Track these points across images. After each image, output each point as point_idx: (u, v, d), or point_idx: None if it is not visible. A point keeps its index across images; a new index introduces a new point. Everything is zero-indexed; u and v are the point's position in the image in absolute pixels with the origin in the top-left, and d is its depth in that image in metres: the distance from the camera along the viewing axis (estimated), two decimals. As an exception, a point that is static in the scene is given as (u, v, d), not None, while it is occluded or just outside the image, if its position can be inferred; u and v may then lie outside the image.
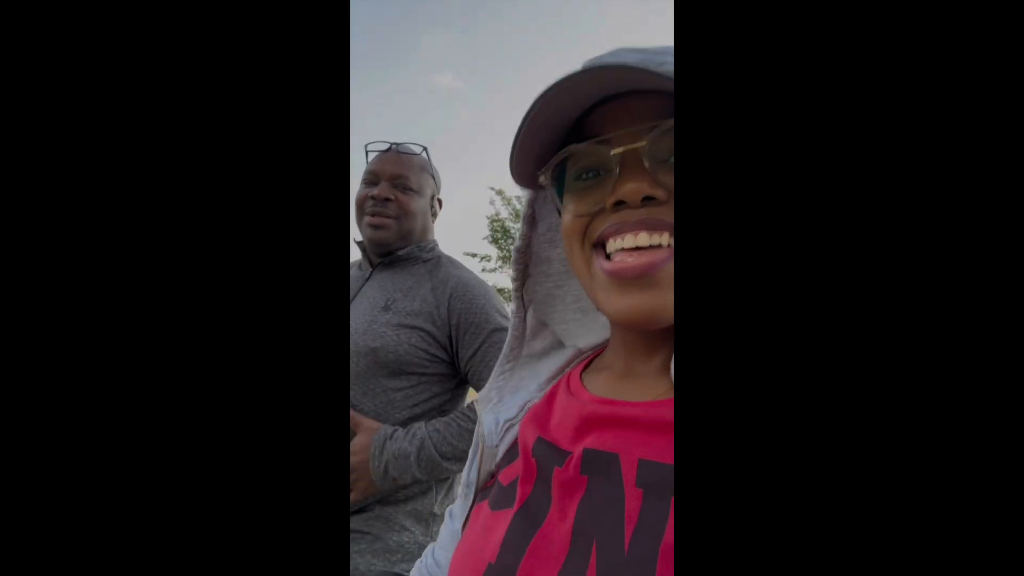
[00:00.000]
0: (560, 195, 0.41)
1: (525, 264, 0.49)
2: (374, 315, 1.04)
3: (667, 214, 0.35)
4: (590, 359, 0.49)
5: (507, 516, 0.39)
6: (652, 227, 0.35)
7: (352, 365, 1.01)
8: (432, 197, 1.19)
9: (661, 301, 0.35)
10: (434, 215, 1.21)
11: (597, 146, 0.37)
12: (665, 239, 0.35)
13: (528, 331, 0.50)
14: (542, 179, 0.41)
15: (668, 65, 0.34)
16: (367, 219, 1.10)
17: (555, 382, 0.48)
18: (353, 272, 1.19)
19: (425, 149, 1.21)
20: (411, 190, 1.12)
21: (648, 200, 0.35)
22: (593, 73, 0.34)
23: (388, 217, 1.09)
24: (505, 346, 0.49)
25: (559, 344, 0.51)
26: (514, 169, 0.41)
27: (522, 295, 0.49)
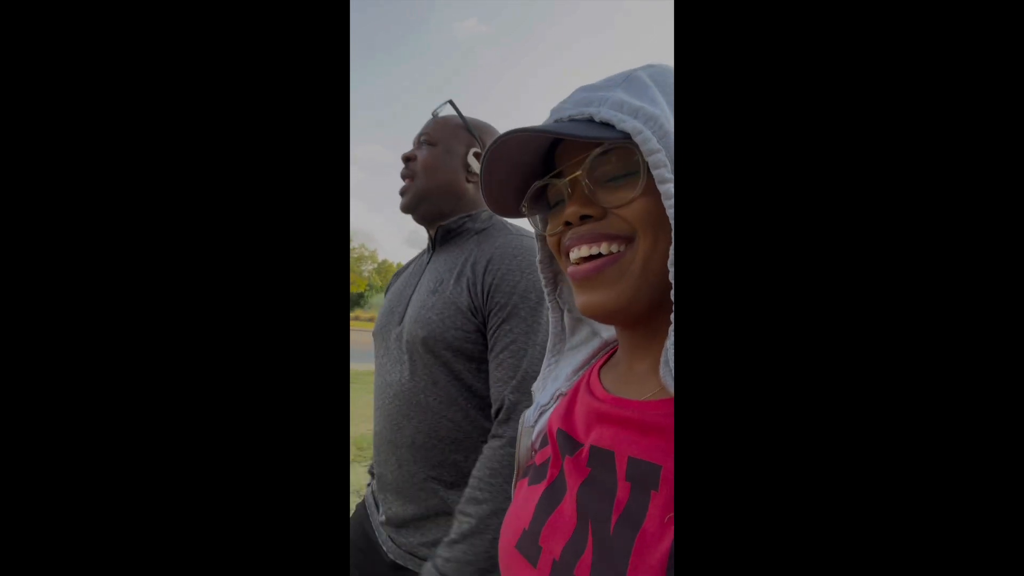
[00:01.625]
0: (548, 214, 0.48)
1: (553, 273, 0.56)
2: (423, 300, 0.98)
3: (603, 227, 0.42)
4: (613, 351, 0.55)
5: (539, 491, 0.48)
6: (591, 240, 0.43)
7: (412, 356, 0.96)
8: (467, 153, 1.05)
9: (604, 296, 0.43)
10: (473, 173, 1.06)
11: (554, 179, 0.46)
12: (604, 247, 0.42)
13: (567, 330, 0.57)
14: (524, 209, 0.49)
15: (588, 107, 0.42)
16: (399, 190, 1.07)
17: (581, 374, 0.55)
18: (419, 261, 1.14)
19: (450, 102, 1.08)
20: (432, 145, 1.04)
21: (585, 218, 0.43)
22: (533, 132, 0.41)
23: (408, 177, 1.05)
24: (548, 343, 0.57)
25: (595, 335, 0.58)
26: (494, 204, 0.49)
27: (556, 298, 0.56)
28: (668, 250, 0.40)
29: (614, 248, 0.42)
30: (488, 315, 0.93)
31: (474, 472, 0.86)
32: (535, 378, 0.89)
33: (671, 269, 0.38)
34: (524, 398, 0.87)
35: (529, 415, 0.55)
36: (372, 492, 1.06)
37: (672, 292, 0.38)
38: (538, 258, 0.55)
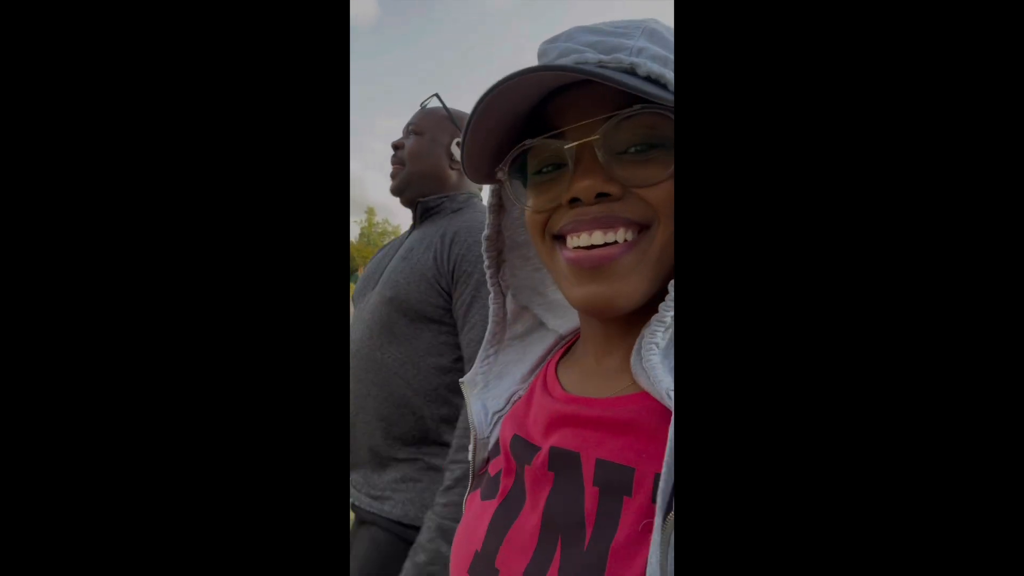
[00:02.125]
0: (525, 185, 0.41)
1: (498, 251, 0.49)
2: (395, 266, 1.07)
3: (622, 209, 0.35)
4: (568, 345, 0.49)
5: (492, 507, 0.41)
6: (606, 225, 0.35)
7: (376, 315, 1.03)
8: (451, 142, 1.14)
9: (616, 290, 0.35)
10: (456, 160, 1.15)
11: (552, 140, 0.36)
12: (620, 235, 0.35)
13: (509, 315, 0.50)
14: (500, 175, 0.41)
15: (620, 53, 0.34)
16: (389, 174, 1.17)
17: (537, 373, 0.49)
18: (402, 236, 1.22)
19: (436, 95, 1.19)
20: (417, 133, 1.13)
21: (602, 196, 0.35)
22: (541, 74, 0.33)
23: (398, 163, 1.14)
24: (487, 332, 0.50)
25: (540, 325, 0.52)
26: (468, 165, 0.40)
27: (498, 281, 0.49)
28: None
29: (629, 235, 0.35)
30: (455, 284, 1.00)
31: (459, 423, 0.94)
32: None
33: None
34: None
35: (480, 424, 0.48)
36: None
37: (671, 283, 0.34)
38: (485, 233, 0.48)
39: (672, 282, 0.35)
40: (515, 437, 0.43)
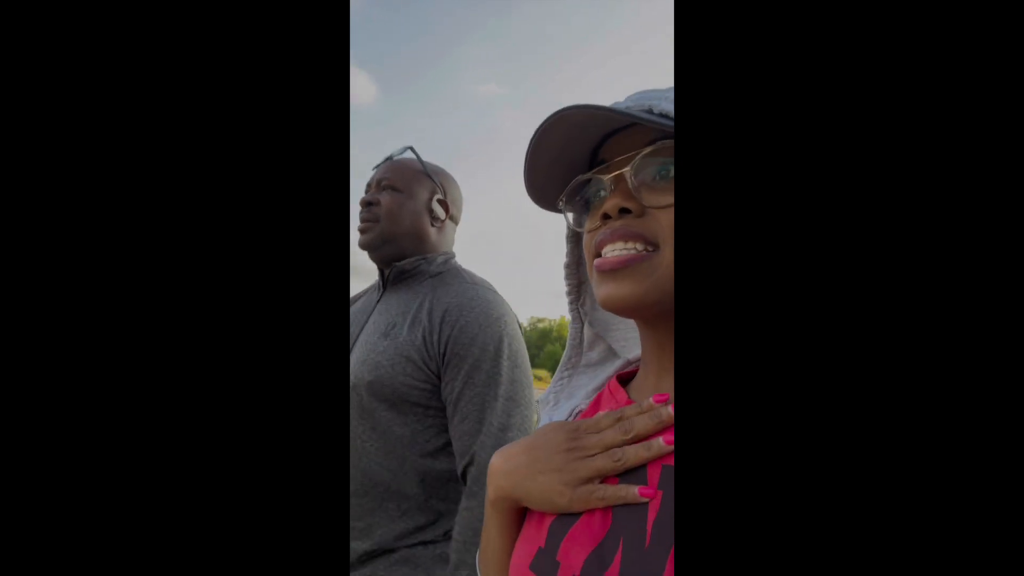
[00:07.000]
0: (584, 212, 0.48)
1: (578, 280, 0.55)
2: (374, 342, 0.97)
3: (638, 225, 0.42)
4: (635, 370, 0.54)
5: None
6: (626, 237, 0.42)
7: (357, 399, 0.94)
8: (431, 199, 1.09)
9: (630, 291, 0.42)
10: (437, 218, 1.09)
11: (598, 174, 0.44)
12: (639, 246, 0.42)
13: (585, 343, 0.55)
14: (560, 204, 0.48)
15: (658, 101, 0.41)
16: (357, 228, 1.08)
17: (601, 390, 0.53)
18: (369, 296, 1.13)
19: (411, 148, 1.13)
20: (395, 190, 1.06)
21: (624, 212, 0.42)
22: (591, 111, 0.41)
23: (371, 220, 1.06)
24: (564, 355, 0.55)
25: (614, 354, 0.56)
26: (537, 195, 0.48)
27: (578, 308, 0.55)
28: None
29: (644, 249, 0.42)
30: (445, 366, 0.92)
31: (455, 535, 0.87)
32: (501, 430, 0.89)
33: None
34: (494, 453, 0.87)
35: None
36: None
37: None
38: (564, 262, 0.54)
39: None
40: None
